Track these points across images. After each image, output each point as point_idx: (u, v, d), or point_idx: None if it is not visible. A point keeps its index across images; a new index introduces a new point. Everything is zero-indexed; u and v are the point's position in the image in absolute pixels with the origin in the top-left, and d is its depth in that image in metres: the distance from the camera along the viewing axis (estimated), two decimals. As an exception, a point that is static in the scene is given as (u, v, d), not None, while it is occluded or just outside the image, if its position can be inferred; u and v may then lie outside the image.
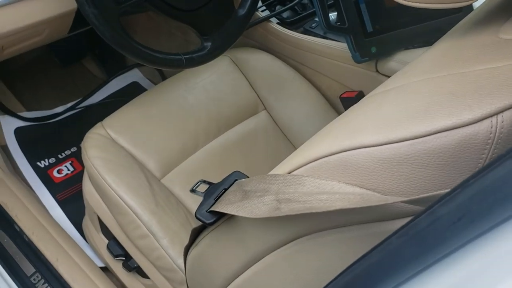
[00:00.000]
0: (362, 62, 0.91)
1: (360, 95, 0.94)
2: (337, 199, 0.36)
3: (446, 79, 0.38)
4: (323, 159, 0.39)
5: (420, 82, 0.40)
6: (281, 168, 0.43)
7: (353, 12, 0.88)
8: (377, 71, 0.93)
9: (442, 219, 0.29)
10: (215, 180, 0.52)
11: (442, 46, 0.47)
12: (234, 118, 0.97)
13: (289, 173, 0.41)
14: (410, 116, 0.36)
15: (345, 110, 0.98)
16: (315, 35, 1.07)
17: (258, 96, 1.01)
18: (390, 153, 0.35)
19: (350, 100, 0.94)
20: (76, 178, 1.22)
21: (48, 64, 1.48)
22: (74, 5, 0.90)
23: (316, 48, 1.02)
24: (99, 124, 0.92)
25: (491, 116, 0.32)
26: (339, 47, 0.98)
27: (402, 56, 0.90)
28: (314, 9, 1.13)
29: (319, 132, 0.46)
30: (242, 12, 0.95)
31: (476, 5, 0.56)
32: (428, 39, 0.91)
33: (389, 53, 0.91)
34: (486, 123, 0.32)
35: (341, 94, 0.97)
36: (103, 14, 0.76)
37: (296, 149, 0.96)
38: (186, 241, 0.78)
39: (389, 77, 0.91)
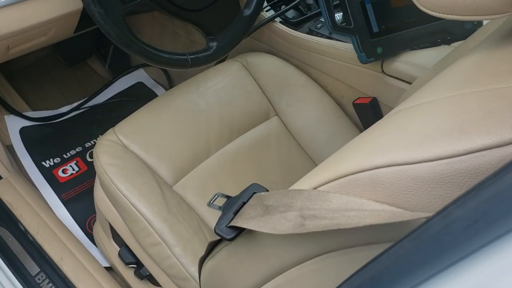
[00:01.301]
0: (368, 63, 0.91)
1: (373, 102, 0.94)
2: (366, 216, 0.35)
3: (481, 95, 0.36)
4: (353, 175, 0.37)
5: (452, 97, 0.39)
6: (305, 183, 0.42)
7: (359, 13, 0.88)
8: (383, 71, 0.93)
9: (457, 222, 0.28)
10: (229, 187, 0.51)
11: (472, 59, 0.44)
12: (246, 124, 0.95)
13: (314, 188, 0.40)
14: (444, 134, 0.34)
15: (359, 117, 0.97)
16: (321, 35, 1.07)
17: (270, 101, 0.99)
18: (424, 171, 0.34)
19: (363, 106, 0.93)
20: (81, 178, 1.22)
21: (54, 64, 1.48)
22: (80, 5, 0.90)
23: (321, 48, 1.02)
24: (110, 130, 0.90)
25: None
26: (344, 47, 0.98)
27: (408, 56, 0.90)
28: (319, 10, 1.12)
29: (345, 147, 0.45)
30: (247, 12, 0.95)
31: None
32: (434, 40, 0.91)
33: (395, 54, 0.91)
34: None
35: (354, 101, 0.96)
36: (109, 13, 0.76)
37: (307, 155, 0.96)
38: (199, 249, 0.77)
39: (394, 77, 0.91)
